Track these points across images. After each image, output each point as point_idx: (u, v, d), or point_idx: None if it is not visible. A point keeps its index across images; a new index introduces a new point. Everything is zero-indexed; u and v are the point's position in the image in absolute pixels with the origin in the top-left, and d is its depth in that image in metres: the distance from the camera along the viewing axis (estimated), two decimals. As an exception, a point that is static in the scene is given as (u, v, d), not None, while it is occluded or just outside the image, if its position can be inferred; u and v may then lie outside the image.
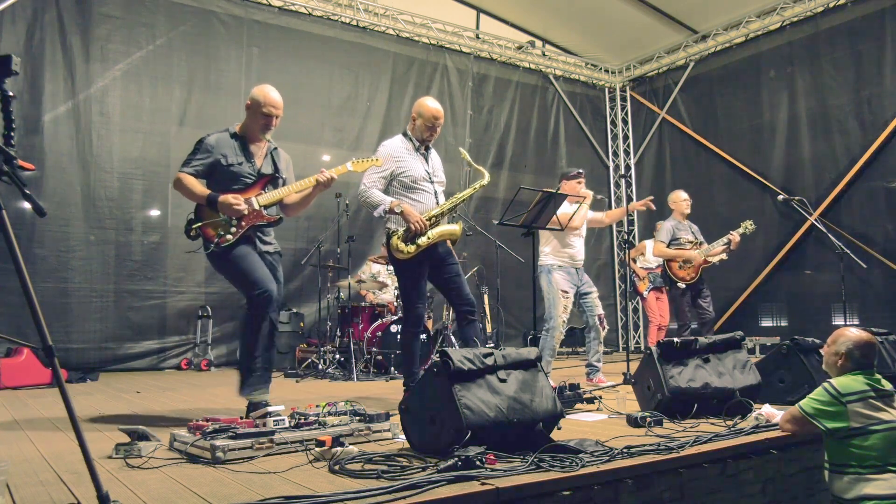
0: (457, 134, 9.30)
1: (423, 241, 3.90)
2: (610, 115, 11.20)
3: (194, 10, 7.67)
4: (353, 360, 6.27)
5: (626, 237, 7.71)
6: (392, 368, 6.37)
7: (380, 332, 6.54)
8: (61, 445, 2.89)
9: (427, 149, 4.16)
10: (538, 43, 10.22)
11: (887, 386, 2.72)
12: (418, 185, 4.03)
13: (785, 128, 8.91)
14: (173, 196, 7.10)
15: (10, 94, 1.84)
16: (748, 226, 6.25)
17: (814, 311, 8.45)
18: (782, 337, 7.79)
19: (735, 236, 6.18)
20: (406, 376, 4.18)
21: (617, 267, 10.89)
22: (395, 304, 6.88)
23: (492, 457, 2.30)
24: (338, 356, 6.71)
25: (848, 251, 6.17)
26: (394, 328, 6.48)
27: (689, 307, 6.20)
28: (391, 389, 5.20)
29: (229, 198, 3.44)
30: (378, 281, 7.15)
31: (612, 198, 11.01)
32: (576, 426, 3.28)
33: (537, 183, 9.27)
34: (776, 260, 8.84)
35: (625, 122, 11.11)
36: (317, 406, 3.08)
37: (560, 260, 5.32)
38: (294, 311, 7.73)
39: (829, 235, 6.22)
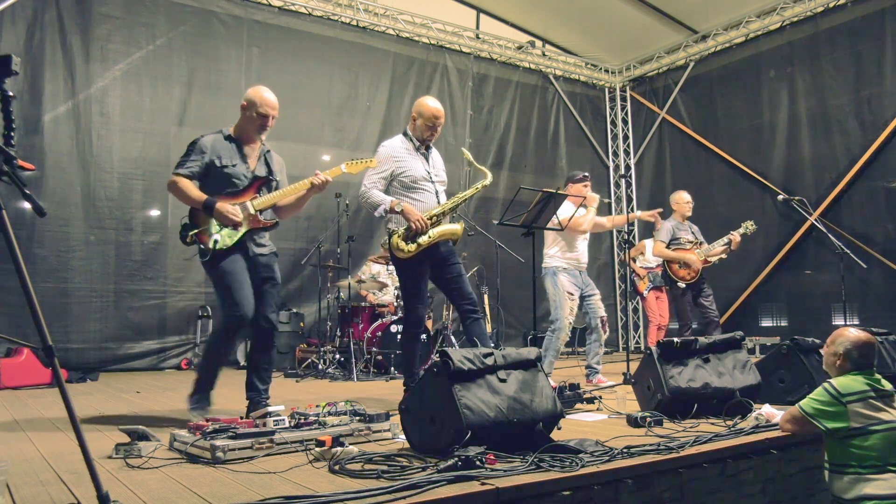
0: (457, 134, 9.30)
1: (423, 239, 3.89)
2: (610, 115, 11.20)
3: (194, 10, 7.67)
4: (353, 360, 6.27)
5: (626, 237, 7.70)
6: (392, 368, 6.37)
7: (380, 332, 6.54)
8: (61, 445, 2.89)
9: (428, 148, 4.16)
10: (538, 43, 10.22)
11: (887, 386, 2.72)
12: (419, 184, 4.02)
13: (785, 128, 8.91)
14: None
15: (10, 94, 1.84)
16: (749, 226, 6.26)
17: (814, 311, 8.45)
18: (782, 337, 7.79)
19: (735, 236, 6.18)
20: (406, 376, 4.18)
21: (617, 267, 10.89)
22: (396, 304, 6.88)
23: (492, 457, 2.30)
24: (338, 356, 6.71)
25: (848, 251, 6.18)
26: (394, 328, 6.48)
27: (691, 307, 6.20)
28: (391, 389, 5.20)
29: (227, 206, 3.42)
30: (378, 281, 7.15)
31: (613, 198, 11.01)
32: (576, 426, 3.28)
33: (537, 183, 9.27)
34: (776, 260, 8.84)
35: (625, 122, 11.11)
36: (317, 406, 3.08)
37: (566, 262, 5.35)
38: (294, 311, 7.73)
39: (829, 235, 6.23)
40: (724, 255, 6.23)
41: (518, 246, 6.58)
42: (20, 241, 5.01)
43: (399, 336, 6.41)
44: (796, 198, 6.58)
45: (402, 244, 3.90)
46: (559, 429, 2.75)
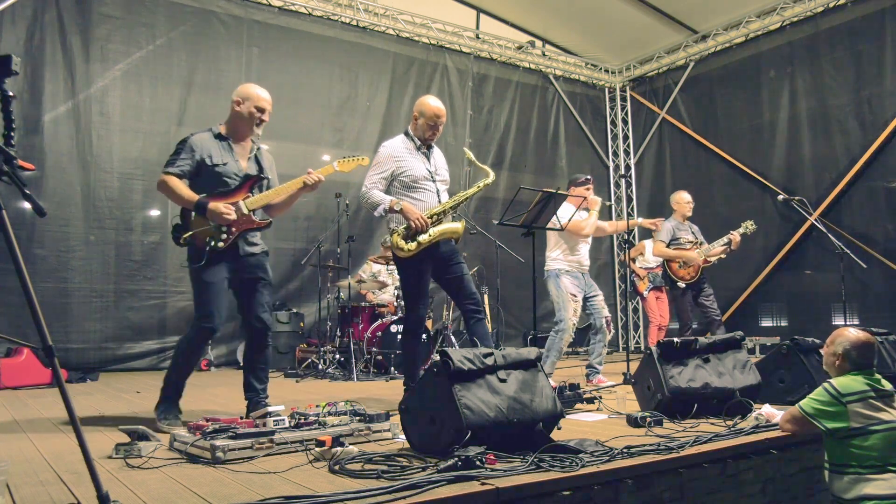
0: (457, 134, 9.30)
1: (423, 238, 3.88)
2: (610, 115, 11.20)
3: (194, 10, 7.67)
4: (353, 360, 6.27)
5: (626, 237, 7.71)
6: (392, 368, 6.37)
7: (380, 332, 6.54)
8: (61, 445, 2.89)
9: (429, 148, 4.15)
10: (538, 43, 10.22)
11: (887, 386, 2.72)
12: (419, 184, 4.02)
13: (785, 128, 8.90)
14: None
15: (10, 94, 1.84)
16: (749, 226, 6.26)
17: (814, 311, 8.45)
18: (782, 337, 7.79)
19: (735, 236, 6.19)
20: (406, 376, 4.18)
21: (617, 267, 10.89)
22: (396, 304, 6.88)
23: (492, 457, 2.30)
24: (338, 356, 6.71)
25: (848, 251, 6.17)
26: (394, 328, 6.48)
27: (692, 307, 6.19)
28: (391, 389, 5.20)
29: (220, 206, 3.38)
30: (378, 281, 7.15)
31: (613, 198, 11.01)
32: (576, 426, 3.28)
33: (537, 183, 9.27)
34: (776, 260, 8.84)
35: (625, 122, 11.11)
36: (317, 406, 3.08)
37: (568, 265, 5.36)
38: (294, 311, 7.73)
39: (829, 235, 6.22)
40: (723, 255, 6.23)
41: (518, 246, 6.58)
42: (20, 241, 5.00)
43: (399, 336, 6.42)
44: (796, 198, 6.58)
45: (402, 243, 3.90)
46: (559, 429, 2.75)
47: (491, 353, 2.67)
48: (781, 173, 8.92)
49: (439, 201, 4.03)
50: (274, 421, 2.80)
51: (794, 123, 8.81)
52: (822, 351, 3.08)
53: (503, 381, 2.63)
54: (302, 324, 7.77)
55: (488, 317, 7.87)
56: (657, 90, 10.69)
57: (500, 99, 9.96)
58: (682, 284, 6.16)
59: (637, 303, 10.39)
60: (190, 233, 3.41)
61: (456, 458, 2.22)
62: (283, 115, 8.13)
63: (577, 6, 9.57)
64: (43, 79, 6.78)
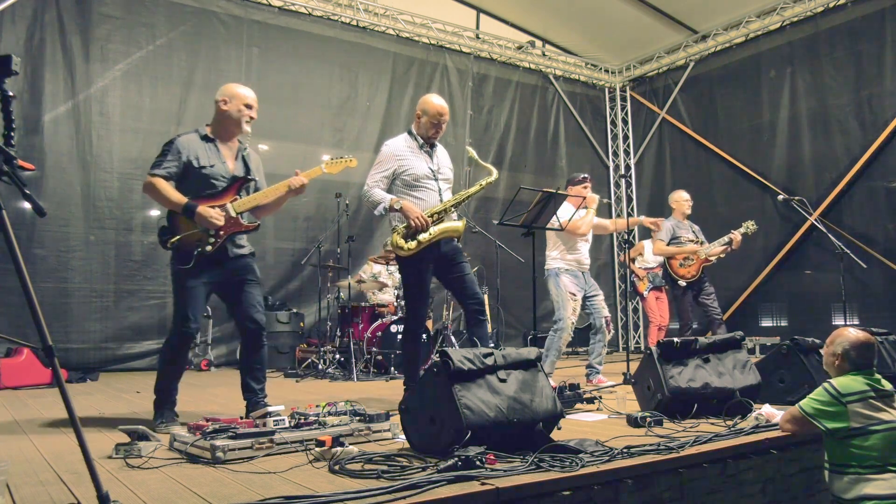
0: (457, 134, 9.30)
1: (423, 237, 3.88)
2: (610, 115, 11.20)
3: (194, 10, 7.67)
4: (353, 360, 6.27)
5: (626, 237, 7.71)
6: (392, 368, 6.37)
7: (380, 332, 6.54)
8: (61, 445, 2.89)
9: (432, 146, 4.15)
10: (538, 43, 10.22)
11: (887, 386, 2.71)
12: (421, 182, 4.02)
13: (785, 128, 8.90)
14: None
15: (10, 94, 1.84)
16: (749, 226, 6.26)
17: (814, 311, 8.45)
18: (782, 337, 7.79)
19: (736, 235, 6.19)
20: (406, 376, 4.18)
21: (617, 267, 10.88)
22: (395, 304, 6.88)
23: (492, 457, 2.30)
24: (338, 356, 6.71)
25: (848, 251, 6.17)
26: (394, 328, 6.48)
27: (692, 307, 6.19)
28: (391, 389, 5.20)
29: (209, 210, 3.34)
30: (378, 281, 7.15)
31: (613, 198, 11.01)
32: (576, 426, 3.28)
33: (537, 183, 9.27)
34: (776, 260, 8.84)
35: (625, 122, 11.11)
36: (317, 406, 3.08)
37: (567, 264, 5.36)
38: (294, 311, 7.73)
39: (829, 235, 6.22)
40: (722, 255, 6.23)
41: (518, 246, 6.58)
42: (20, 241, 5.01)
43: (399, 336, 6.42)
44: (796, 198, 6.58)
45: (402, 242, 3.90)
46: (559, 429, 2.75)
47: (491, 353, 2.67)
48: (781, 173, 8.92)
49: (441, 200, 4.02)
50: (274, 421, 2.80)
51: (794, 123, 8.81)
52: (822, 351, 3.08)
53: (503, 381, 2.63)
54: (302, 324, 7.77)
55: (488, 317, 7.87)
56: (657, 90, 10.69)
57: (500, 99, 9.96)
58: (682, 283, 6.16)
59: (637, 303, 10.39)
60: (177, 237, 3.38)
61: (456, 458, 2.22)
62: (283, 115, 8.16)
63: (577, 6, 9.58)
64: (43, 79, 6.78)
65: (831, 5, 8.48)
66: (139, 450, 2.57)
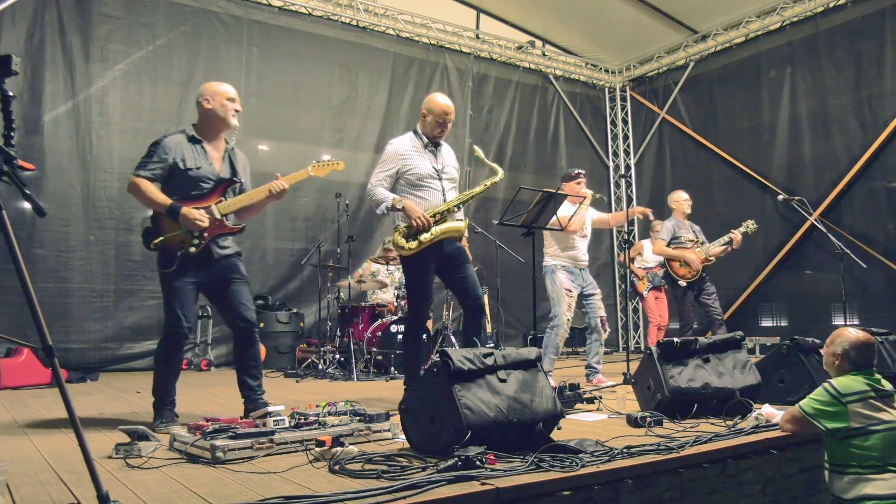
0: (457, 134, 9.29)
1: (425, 237, 3.88)
2: (610, 115, 11.20)
3: (194, 10, 7.67)
4: (353, 360, 6.27)
5: (626, 237, 7.70)
6: (392, 368, 6.37)
7: (380, 332, 6.54)
8: (61, 445, 2.89)
9: (437, 145, 4.15)
10: (538, 43, 10.22)
11: (887, 386, 2.71)
12: (424, 182, 4.01)
13: (785, 128, 8.91)
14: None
15: (10, 94, 1.84)
16: (750, 225, 6.25)
17: (814, 311, 8.45)
18: (782, 337, 7.79)
19: (737, 235, 6.18)
20: (407, 376, 4.18)
21: (617, 267, 10.89)
22: (395, 304, 6.88)
23: (492, 457, 2.30)
24: (338, 356, 6.71)
25: (848, 251, 6.17)
26: (394, 328, 6.48)
27: (693, 307, 6.18)
28: (391, 389, 5.20)
29: (193, 211, 3.33)
30: (377, 281, 7.16)
31: (612, 198, 11.01)
32: (576, 426, 3.28)
33: (537, 183, 9.27)
34: (776, 260, 8.84)
35: (625, 122, 11.11)
36: (317, 406, 3.08)
37: (563, 261, 5.35)
38: (294, 311, 7.73)
39: (829, 235, 6.22)
40: (721, 255, 6.23)
41: (518, 246, 6.59)
42: (20, 241, 5.01)
43: (399, 336, 6.42)
44: (796, 198, 6.58)
45: (403, 241, 3.90)
46: (559, 429, 2.74)
47: (491, 353, 2.67)
48: (781, 173, 8.92)
49: (445, 200, 4.02)
50: (274, 421, 2.80)
51: (794, 123, 8.81)
52: (822, 351, 3.08)
53: (503, 381, 2.63)
54: (302, 324, 7.77)
55: (488, 317, 7.88)
56: (657, 90, 10.69)
57: (500, 99, 9.96)
58: (683, 283, 6.16)
59: (637, 303, 10.39)
60: (161, 238, 3.37)
61: (456, 458, 2.22)
62: (283, 115, 8.16)
63: (577, 6, 9.58)
64: (43, 79, 6.78)
65: (831, 5, 8.48)
66: (139, 450, 2.57)
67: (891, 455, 2.56)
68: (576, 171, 5.52)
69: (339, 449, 2.46)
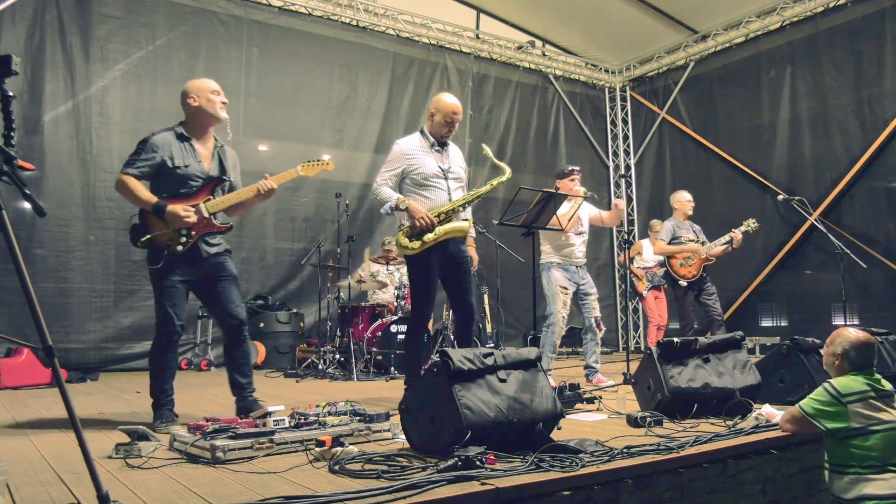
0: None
1: (429, 237, 3.88)
2: (610, 115, 11.20)
3: (194, 10, 7.67)
4: (353, 360, 6.27)
5: (626, 237, 7.71)
6: (392, 368, 6.37)
7: (380, 332, 6.54)
8: (61, 445, 2.89)
9: (443, 145, 4.15)
10: (538, 43, 10.22)
11: (887, 386, 2.71)
12: (430, 181, 4.02)
13: (785, 128, 8.91)
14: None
15: (10, 94, 1.84)
16: (751, 224, 6.24)
17: (814, 311, 8.45)
18: (782, 337, 7.79)
19: (737, 234, 6.17)
20: (407, 375, 4.18)
21: (617, 267, 10.89)
22: (395, 304, 6.88)
23: (492, 457, 2.30)
24: (338, 356, 6.71)
25: (848, 251, 6.16)
26: (394, 328, 6.48)
27: (693, 307, 6.18)
28: (391, 389, 5.20)
29: (178, 209, 3.32)
30: (377, 281, 7.16)
31: (612, 198, 11.01)
32: (576, 426, 3.28)
33: (537, 183, 9.27)
34: (776, 260, 8.84)
35: (625, 122, 11.11)
36: (317, 406, 3.07)
37: (558, 258, 5.33)
38: (294, 311, 7.73)
39: (829, 235, 6.22)
40: (722, 255, 6.23)
41: (518, 246, 6.58)
42: (20, 241, 5.01)
43: (399, 336, 6.43)
44: (796, 198, 6.57)
45: (406, 241, 3.91)
46: (559, 429, 2.74)
47: (491, 353, 2.67)
48: (782, 173, 8.92)
49: (450, 199, 4.02)
50: (274, 421, 2.80)
51: (794, 123, 8.81)
52: (822, 351, 3.08)
53: (503, 381, 2.63)
54: (302, 324, 7.78)
55: (488, 317, 7.88)
56: (657, 90, 10.69)
57: (500, 99, 9.96)
58: (683, 283, 6.15)
59: (637, 302, 10.39)
60: (148, 236, 3.38)
61: (456, 458, 2.22)
62: (283, 115, 8.16)
63: (577, 6, 9.58)
64: (43, 79, 6.78)
65: (831, 5, 8.48)
66: (139, 450, 2.57)
67: (891, 455, 2.56)
68: (570, 168, 5.50)
69: (339, 449, 2.46)
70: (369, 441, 2.84)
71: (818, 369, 3.53)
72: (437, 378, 2.56)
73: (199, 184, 3.45)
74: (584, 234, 5.50)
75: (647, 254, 7.99)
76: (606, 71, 11.07)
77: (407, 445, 2.69)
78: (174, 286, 3.41)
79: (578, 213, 5.32)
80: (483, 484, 2.07)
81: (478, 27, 9.89)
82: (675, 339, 3.56)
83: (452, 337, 6.98)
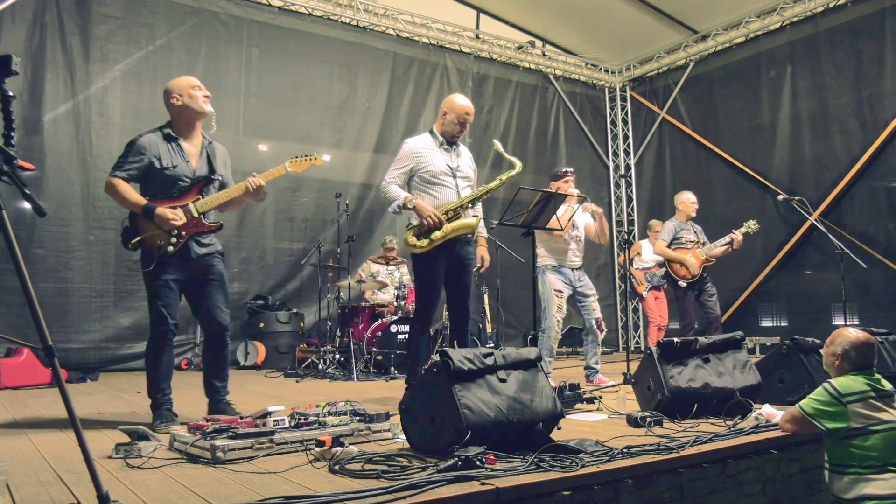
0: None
1: (436, 235, 3.89)
2: (610, 115, 11.20)
3: (194, 10, 7.67)
4: (353, 360, 6.27)
5: (626, 237, 7.70)
6: (392, 368, 6.37)
7: (380, 332, 6.54)
8: (61, 445, 2.89)
9: (452, 145, 4.16)
10: (538, 43, 10.22)
11: (887, 386, 2.71)
12: (438, 179, 4.04)
13: (785, 128, 8.91)
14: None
15: (10, 94, 1.84)
16: (751, 225, 6.23)
17: (814, 311, 8.45)
18: (782, 337, 7.79)
19: (738, 235, 6.16)
20: (409, 374, 4.19)
21: (617, 267, 10.88)
22: (395, 304, 6.88)
23: (492, 457, 2.30)
24: (338, 356, 6.71)
25: (848, 251, 6.16)
26: (394, 328, 6.48)
27: (694, 307, 6.17)
28: (391, 389, 5.20)
29: (166, 211, 3.33)
30: (377, 281, 7.16)
31: (612, 198, 11.02)
32: (576, 426, 3.28)
33: (537, 183, 9.25)
34: (776, 260, 8.84)
35: (625, 122, 11.11)
36: (317, 406, 3.07)
37: (553, 261, 5.32)
38: (294, 311, 7.73)
39: (829, 235, 6.22)
40: (722, 256, 6.22)
41: (518, 246, 6.58)
42: (20, 241, 5.01)
43: (399, 336, 6.43)
44: (796, 198, 6.57)
45: (414, 240, 3.93)
46: (559, 429, 2.74)
47: (491, 353, 2.67)
48: (782, 173, 8.92)
49: (458, 197, 4.04)
50: (274, 421, 2.80)
51: (794, 123, 8.81)
52: (822, 351, 3.08)
53: (503, 381, 2.63)
54: (302, 324, 7.78)
55: (488, 317, 7.88)
56: (657, 90, 10.69)
57: (500, 99, 9.96)
58: (683, 284, 6.15)
59: (637, 303, 10.39)
60: (138, 237, 3.38)
61: (456, 458, 2.22)
62: (282, 115, 8.16)
63: (577, 6, 9.58)
64: (43, 79, 6.78)
65: (831, 5, 8.48)
66: (139, 450, 2.57)
67: (891, 455, 2.56)
68: (563, 170, 5.48)
69: (339, 449, 2.46)
70: (369, 441, 2.84)
71: (818, 369, 3.53)
72: (437, 378, 2.56)
73: (187, 184, 3.46)
74: (580, 236, 5.47)
75: (647, 254, 7.99)
76: (606, 71, 11.07)
77: (407, 445, 2.69)
78: (167, 286, 3.43)
79: (573, 215, 5.32)
80: (483, 484, 2.07)
81: (478, 27, 9.89)
82: (675, 339, 3.57)
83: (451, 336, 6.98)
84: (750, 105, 9.37)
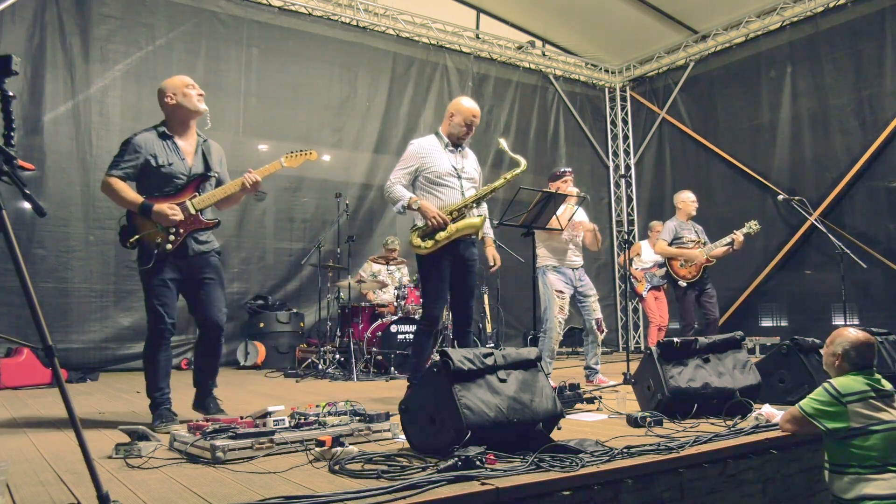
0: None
1: (441, 235, 3.90)
2: (610, 115, 11.20)
3: (194, 10, 7.67)
4: (353, 360, 6.27)
5: (626, 237, 7.69)
6: (392, 368, 6.37)
7: (380, 332, 6.54)
8: (61, 445, 2.89)
9: (458, 147, 4.18)
10: (538, 43, 10.22)
11: (887, 386, 2.71)
12: (443, 179, 4.05)
13: (785, 128, 8.91)
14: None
15: (10, 94, 1.84)
16: (753, 226, 6.22)
17: (814, 311, 8.45)
18: (782, 337, 7.79)
19: (738, 236, 6.15)
20: (412, 373, 4.19)
21: (616, 267, 10.88)
22: (395, 304, 6.89)
23: (492, 457, 2.30)
24: (338, 356, 6.71)
25: (848, 251, 6.16)
26: (394, 328, 6.48)
27: (694, 307, 6.17)
28: (391, 389, 5.20)
29: (164, 207, 3.33)
30: (378, 281, 7.16)
31: (612, 198, 11.02)
32: (576, 426, 3.28)
33: (537, 183, 9.24)
34: (776, 260, 8.84)
35: (625, 122, 11.11)
36: (317, 406, 3.08)
37: (554, 261, 5.31)
38: (294, 311, 7.73)
39: (829, 235, 6.22)
40: (723, 256, 6.22)
41: (518, 246, 6.58)
42: (20, 241, 5.00)
43: (399, 336, 6.43)
44: (796, 198, 6.57)
45: (418, 241, 3.94)
46: (559, 429, 2.74)
47: (491, 353, 2.67)
48: (782, 173, 8.92)
49: (462, 198, 4.06)
50: (274, 421, 2.80)
51: (794, 123, 8.81)
52: (822, 351, 3.08)
53: (503, 381, 2.62)
54: (302, 324, 7.77)
55: (488, 317, 7.88)
56: (657, 90, 10.69)
57: (500, 99, 9.96)
58: (683, 284, 6.15)
59: (637, 303, 10.39)
60: (136, 236, 3.38)
61: (456, 458, 2.22)
62: (282, 115, 8.16)
63: (577, 6, 9.57)
64: (43, 79, 6.78)
65: (831, 5, 8.48)
66: (139, 450, 2.57)
67: (891, 455, 2.56)
68: (561, 170, 5.48)
69: (339, 449, 2.46)
70: (369, 441, 2.84)
71: (818, 369, 3.53)
72: (437, 378, 2.56)
73: (183, 181, 3.47)
74: (580, 236, 5.48)
75: (646, 255, 7.98)
76: (606, 71, 11.07)
77: (407, 445, 2.69)
78: (164, 284, 3.42)
79: (574, 215, 5.32)
80: (483, 484, 2.07)
81: (478, 27, 9.89)
82: (675, 339, 3.57)
83: (452, 336, 6.99)
84: (750, 105, 9.37)
